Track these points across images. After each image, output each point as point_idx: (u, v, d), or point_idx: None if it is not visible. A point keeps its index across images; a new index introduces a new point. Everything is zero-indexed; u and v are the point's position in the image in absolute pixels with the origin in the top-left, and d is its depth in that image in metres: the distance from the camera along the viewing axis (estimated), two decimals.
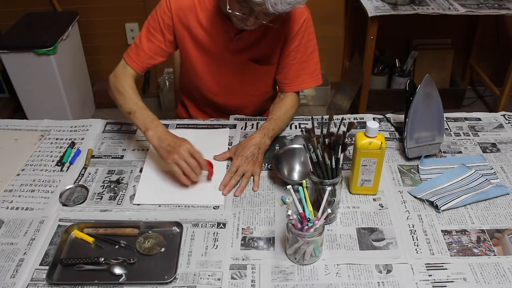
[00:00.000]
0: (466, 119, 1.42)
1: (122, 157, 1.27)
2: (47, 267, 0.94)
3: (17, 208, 1.10)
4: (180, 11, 1.27)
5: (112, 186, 1.16)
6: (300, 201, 0.94)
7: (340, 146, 0.97)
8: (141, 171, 1.21)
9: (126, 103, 1.25)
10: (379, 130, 1.04)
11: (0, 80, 2.82)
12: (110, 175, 1.20)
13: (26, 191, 1.15)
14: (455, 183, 1.16)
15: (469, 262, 0.96)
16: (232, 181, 1.15)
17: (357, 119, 1.42)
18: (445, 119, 1.27)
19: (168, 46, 1.32)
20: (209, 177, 1.17)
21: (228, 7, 1.13)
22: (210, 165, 1.17)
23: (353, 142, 1.08)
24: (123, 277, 0.93)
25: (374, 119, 1.41)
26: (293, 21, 1.27)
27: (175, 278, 0.93)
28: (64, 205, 1.11)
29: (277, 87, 1.50)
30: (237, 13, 1.12)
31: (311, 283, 0.92)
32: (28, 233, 1.03)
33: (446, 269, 0.95)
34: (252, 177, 1.18)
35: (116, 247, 1.00)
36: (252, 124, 1.39)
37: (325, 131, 1.00)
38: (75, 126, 1.39)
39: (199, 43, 1.31)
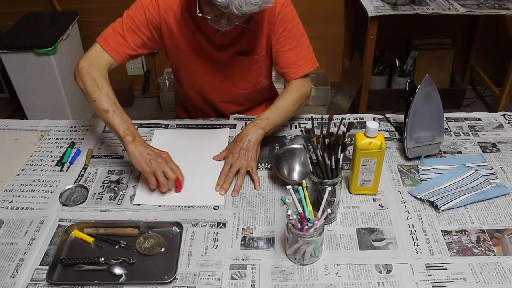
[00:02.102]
0: (466, 119, 1.42)
1: (122, 157, 1.27)
2: (47, 267, 0.94)
3: (17, 208, 1.10)
4: (167, 10, 1.25)
5: (112, 186, 1.16)
6: (300, 201, 0.94)
7: (340, 146, 0.97)
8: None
9: (103, 99, 1.16)
10: (379, 130, 1.04)
11: (0, 80, 2.82)
12: (110, 175, 1.20)
13: (26, 191, 1.15)
14: (455, 183, 1.16)
15: (469, 262, 0.96)
16: (227, 180, 1.15)
17: (357, 119, 1.42)
18: (445, 119, 1.27)
19: (153, 41, 1.29)
20: (176, 191, 1.14)
21: (198, 10, 1.13)
22: (178, 181, 1.13)
23: (353, 142, 1.08)
24: (123, 277, 0.93)
25: (374, 119, 1.41)
26: (271, 7, 1.22)
27: (175, 278, 0.93)
28: (64, 205, 1.11)
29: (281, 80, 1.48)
30: (208, 16, 1.12)
31: (311, 283, 0.92)
32: (28, 233, 1.03)
33: (446, 269, 0.95)
34: (250, 176, 1.18)
35: (116, 247, 1.00)
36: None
37: (325, 131, 1.00)
38: (75, 126, 1.39)
39: (184, 43, 1.30)
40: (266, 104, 1.55)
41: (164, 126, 1.38)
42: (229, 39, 1.29)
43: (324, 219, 0.92)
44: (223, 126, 1.39)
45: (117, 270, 0.94)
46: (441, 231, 1.03)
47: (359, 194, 1.13)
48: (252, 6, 1.04)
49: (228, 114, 1.46)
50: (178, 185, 1.14)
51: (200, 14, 1.13)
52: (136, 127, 1.17)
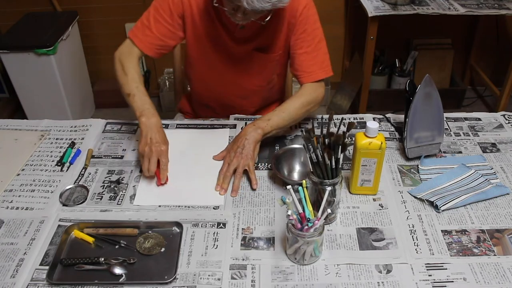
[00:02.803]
0: (466, 119, 1.42)
1: (122, 157, 1.27)
2: (47, 267, 0.94)
3: (17, 208, 1.10)
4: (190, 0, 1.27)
5: (112, 186, 1.16)
6: (300, 201, 0.94)
7: (340, 146, 0.97)
8: (141, 171, 1.21)
9: (127, 84, 1.24)
10: (379, 130, 1.04)
11: (0, 80, 2.82)
12: (110, 175, 1.20)
13: (26, 191, 1.15)
14: (455, 183, 1.16)
15: (469, 262, 0.96)
16: (225, 180, 1.15)
17: (357, 119, 1.42)
18: (445, 119, 1.27)
19: (177, 28, 1.31)
20: (157, 184, 1.16)
21: (214, 0, 1.14)
22: (157, 174, 1.15)
23: (353, 142, 1.08)
24: (123, 277, 0.93)
25: (374, 119, 1.41)
26: (294, 7, 1.25)
27: (175, 278, 0.93)
28: (64, 205, 1.11)
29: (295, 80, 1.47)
30: (224, 8, 1.13)
31: (311, 283, 0.92)
32: (28, 233, 1.03)
33: (446, 269, 0.95)
34: (247, 175, 1.18)
35: (116, 247, 1.00)
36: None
37: (325, 131, 1.00)
38: (75, 126, 1.39)
39: (205, 33, 1.31)
40: (276, 104, 1.56)
41: (164, 126, 1.38)
42: (248, 33, 1.29)
43: (324, 219, 0.92)
44: (223, 126, 1.39)
45: (117, 270, 0.94)
46: (441, 231, 1.03)
47: (359, 194, 1.13)
48: (264, 3, 1.05)
49: (236, 111, 1.45)
50: (158, 178, 1.15)
51: (216, 4, 1.14)
52: (154, 110, 1.21)
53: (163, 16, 1.28)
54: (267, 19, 1.18)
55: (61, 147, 1.30)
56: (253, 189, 1.15)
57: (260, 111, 1.53)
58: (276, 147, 1.29)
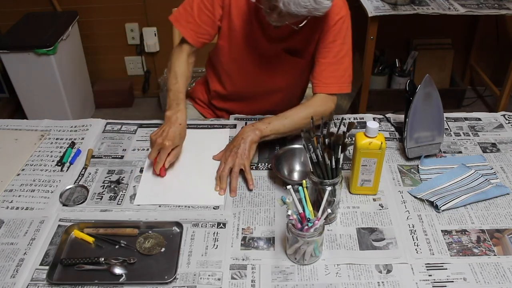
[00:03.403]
0: (466, 119, 1.42)
1: (122, 157, 1.27)
2: (47, 267, 0.94)
3: (17, 208, 1.10)
4: None
5: (112, 186, 1.16)
6: (300, 201, 0.94)
7: (340, 146, 0.97)
8: (141, 171, 1.21)
9: (169, 79, 1.33)
10: (379, 130, 1.04)
11: (0, 80, 2.82)
12: (110, 175, 1.20)
13: (26, 191, 1.15)
14: (455, 183, 1.16)
15: (469, 262, 0.96)
16: (222, 180, 1.15)
17: (357, 119, 1.42)
18: (445, 119, 1.27)
19: (217, 17, 1.31)
20: (161, 175, 1.19)
21: None
22: (161, 170, 1.18)
23: (353, 142, 1.08)
24: (123, 277, 0.93)
25: (374, 119, 1.41)
26: (329, 16, 1.25)
27: (175, 278, 0.93)
28: (64, 205, 1.11)
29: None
30: (261, 6, 1.14)
31: (311, 283, 0.92)
32: (28, 233, 1.03)
33: (446, 269, 0.95)
34: (243, 176, 1.17)
35: (116, 247, 1.00)
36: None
37: (325, 131, 1.00)
38: (75, 126, 1.39)
39: (239, 26, 1.31)
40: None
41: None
42: (282, 33, 1.29)
43: (324, 219, 0.92)
44: (223, 126, 1.39)
45: (117, 270, 0.94)
46: (441, 231, 1.03)
47: (359, 194, 1.13)
48: (300, 8, 1.04)
49: (253, 111, 1.46)
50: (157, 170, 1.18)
51: (254, 0, 1.16)
52: (183, 105, 1.27)
53: (205, 4, 1.29)
54: (301, 25, 1.18)
55: (61, 147, 1.30)
56: (249, 190, 1.15)
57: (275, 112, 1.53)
58: (276, 147, 1.29)
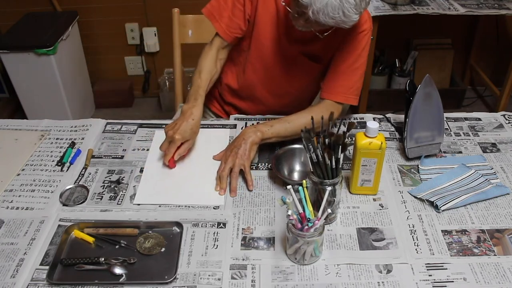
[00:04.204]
0: (466, 119, 1.42)
1: (122, 157, 1.27)
2: (47, 267, 0.94)
3: (17, 208, 1.10)
4: None
5: (112, 186, 1.16)
6: (300, 201, 0.94)
7: (340, 146, 0.97)
8: (141, 171, 1.21)
9: (194, 74, 1.33)
10: (379, 130, 1.04)
11: (0, 80, 2.82)
12: (110, 175, 1.20)
13: (26, 191, 1.15)
14: (455, 183, 1.16)
15: (469, 262, 0.96)
16: (222, 180, 1.15)
17: (357, 119, 1.42)
18: (445, 119, 1.27)
19: (247, 12, 1.31)
20: (170, 167, 1.22)
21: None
22: (170, 162, 1.20)
23: (353, 142, 1.08)
24: (123, 277, 0.93)
25: (374, 119, 1.41)
26: (353, 27, 1.22)
27: (175, 278, 0.93)
28: (64, 205, 1.11)
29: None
30: (289, 9, 1.14)
31: (311, 283, 0.92)
32: (28, 233, 1.03)
33: (446, 269, 0.95)
34: (243, 176, 1.17)
35: (116, 247, 1.00)
36: (253, 124, 1.39)
37: (325, 131, 1.00)
38: (75, 126, 1.39)
39: (263, 23, 1.31)
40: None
41: (164, 126, 1.38)
42: (303, 36, 1.27)
43: (324, 219, 0.92)
44: (223, 126, 1.39)
45: (117, 270, 0.94)
46: (441, 231, 1.03)
47: (359, 194, 1.13)
48: (329, 18, 1.05)
49: (263, 107, 1.46)
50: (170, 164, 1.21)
51: (283, 3, 1.17)
52: (202, 99, 1.27)
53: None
54: (326, 34, 1.18)
55: (61, 147, 1.30)
56: (249, 190, 1.15)
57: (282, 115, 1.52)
58: (276, 147, 1.29)
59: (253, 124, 1.33)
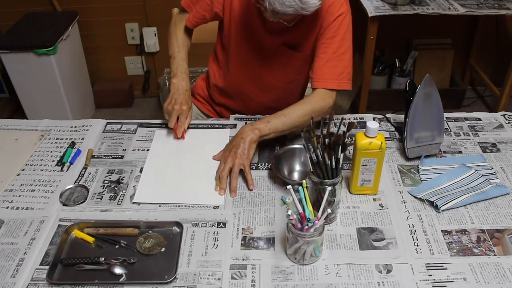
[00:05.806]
0: (466, 119, 1.42)
1: (122, 157, 1.27)
2: (47, 267, 0.94)
3: (17, 208, 1.10)
4: None
5: (112, 186, 1.16)
6: (300, 201, 0.94)
7: (340, 146, 0.97)
8: (141, 171, 1.21)
9: (172, 47, 1.41)
10: (379, 130, 1.04)
11: (0, 80, 2.82)
12: (110, 175, 1.20)
13: (26, 191, 1.15)
14: (455, 183, 1.16)
15: (469, 262, 0.96)
16: (222, 180, 1.14)
17: (357, 119, 1.42)
18: (445, 119, 1.27)
19: (215, 5, 1.35)
20: (174, 137, 1.32)
21: None
22: (175, 128, 1.30)
23: (353, 142, 1.08)
24: (123, 277, 0.93)
25: (374, 119, 1.41)
26: (329, 12, 1.25)
27: (175, 278, 0.93)
28: (64, 205, 1.11)
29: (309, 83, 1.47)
30: (257, 4, 1.15)
31: (311, 283, 0.92)
32: (28, 233, 1.03)
33: (446, 269, 0.95)
34: (243, 176, 1.17)
35: (116, 247, 1.00)
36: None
37: (325, 131, 1.00)
38: (75, 126, 1.39)
39: (240, 18, 1.33)
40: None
41: (164, 126, 1.38)
42: (281, 26, 1.27)
43: (324, 219, 0.92)
44: (223, 126, 1.39)
45: (117, 270, 0.94)
46: (441, 231, 1.03)
47: (359, 194, 1.13)
48: (286, 7, 1.06)
49: (253, 103, 1.46)
50: (175, 133, 1.31)
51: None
52: (186, 71, 1.37)
53: None
54: (293, 23, 1.22)
55: (61, 147, 1.30)
56: (250, 190, 1.15)
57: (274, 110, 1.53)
58: (276, 147, 1.29)
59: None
